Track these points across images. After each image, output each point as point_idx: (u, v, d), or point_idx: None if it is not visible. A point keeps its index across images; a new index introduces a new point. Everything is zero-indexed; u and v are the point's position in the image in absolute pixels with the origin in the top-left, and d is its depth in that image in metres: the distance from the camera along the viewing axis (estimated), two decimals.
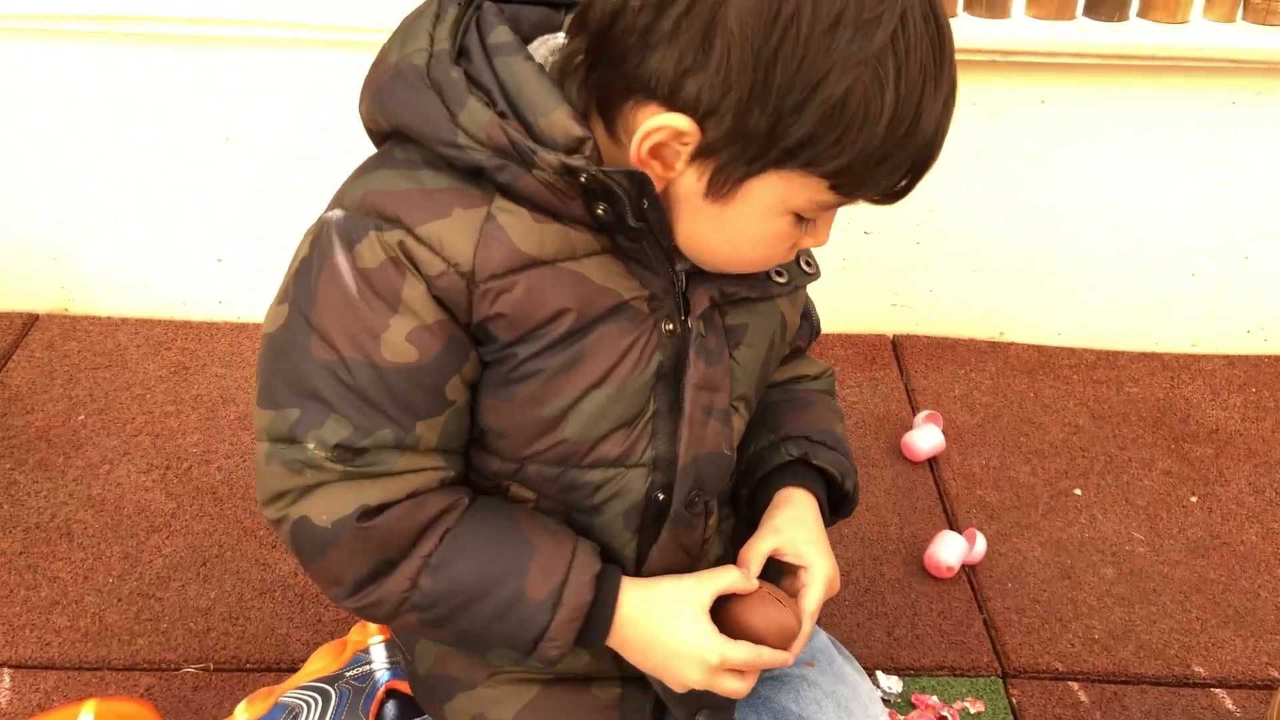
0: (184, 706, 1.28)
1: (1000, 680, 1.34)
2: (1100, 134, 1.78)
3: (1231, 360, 1.95)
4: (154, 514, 1.54)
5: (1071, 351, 1.95)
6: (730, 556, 1.03)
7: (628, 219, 0.78)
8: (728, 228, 0.78)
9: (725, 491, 1.01)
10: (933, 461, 1.68)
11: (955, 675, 1.34)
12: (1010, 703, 1.31)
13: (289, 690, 1.17)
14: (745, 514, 1.06)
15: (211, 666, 1.33)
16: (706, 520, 0.94)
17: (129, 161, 1.78)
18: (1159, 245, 1.89)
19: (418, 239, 0.76)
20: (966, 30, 1.67)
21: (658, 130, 0.72)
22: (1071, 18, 1.71)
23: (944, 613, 1.42)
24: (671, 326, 0.84)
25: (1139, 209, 1.85)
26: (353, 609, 0.84)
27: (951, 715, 1.29)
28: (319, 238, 0.80)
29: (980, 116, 1.76)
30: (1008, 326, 1.97)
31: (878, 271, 1.91)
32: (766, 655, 0.89)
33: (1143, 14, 1.72)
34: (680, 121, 0.71)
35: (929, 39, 0.71)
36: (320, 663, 1.21)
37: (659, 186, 0.76)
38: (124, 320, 1.91)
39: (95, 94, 1.72)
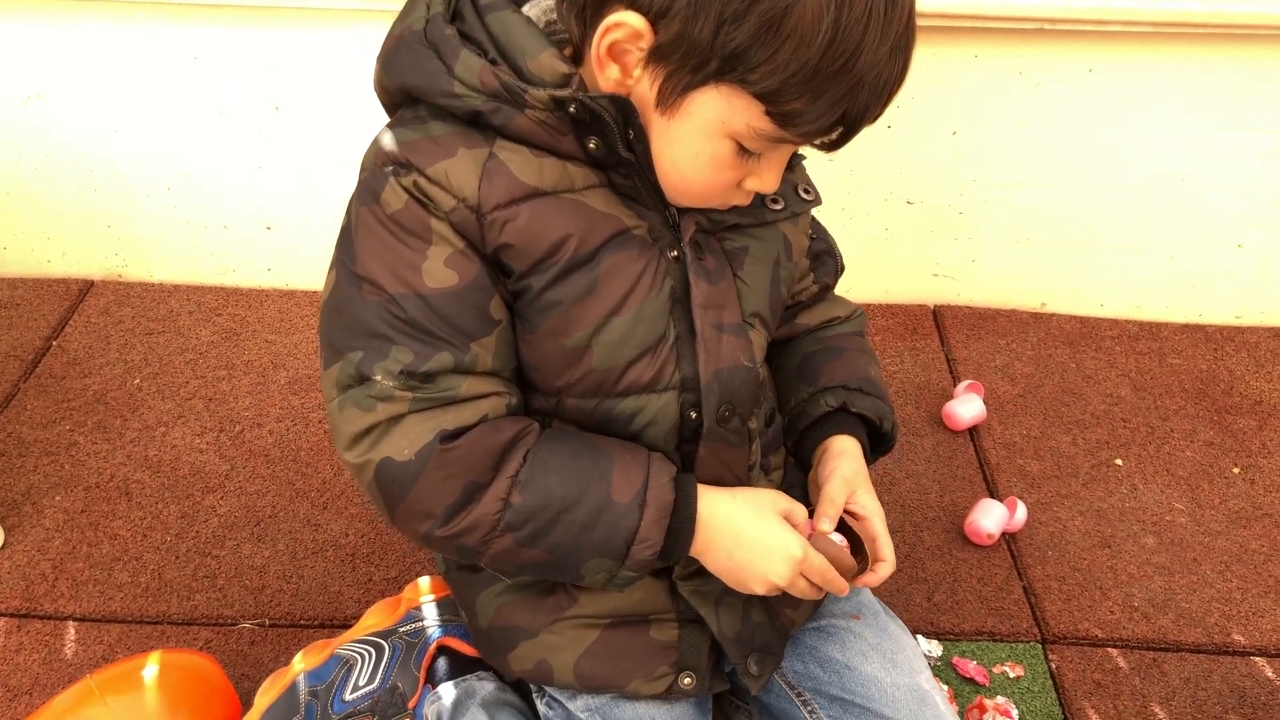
0: (241, 660, 1.32)
1: (1040, 646, 1.35)
2: (1147, 104, 1.77)
3: (1277, 332, 1.93)
4: (209, 475, 1.58)
5: (1114, 323, 1.94)
6: None
7: (619, 149, 0.82)
8: (674, 145, 0.82)
9: (768, 415, 1.04)
10: (973, 431, 1.69)
11: (995, 640, 1.35)
12: (1049, 668, 1.32)
13: (345, 643, 1.21)
14: (794, 458, 1.10)
15: (267, 622, 1.38)
16: (749, 443, 0.97)
17: (180, 132, 1.81)
18: (1205, 217, 1.87)
19: (429, 179, 0.82)
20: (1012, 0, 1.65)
21: (616, 27, 0.77)
22: None
23: (984, 579, 1.43)
24: (675, 253, 0.90)
25: (1185, 180, 1.84)
26: (446, 540, 0.86)
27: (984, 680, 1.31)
28: (351, 201, 0.87)
29: (1027, 86, 1.75)
30: (1050, 297, 1.96)
31: (920, 241, 1.91)
32: (835, 576, 0.94)
33: None
34: (635, 20, 0.76)
35: None
36: (375, 618, 1.25)
37: (621, 93, 0.80)
38: (176, 287, 1.96)
39: (147, 66, 1.75)
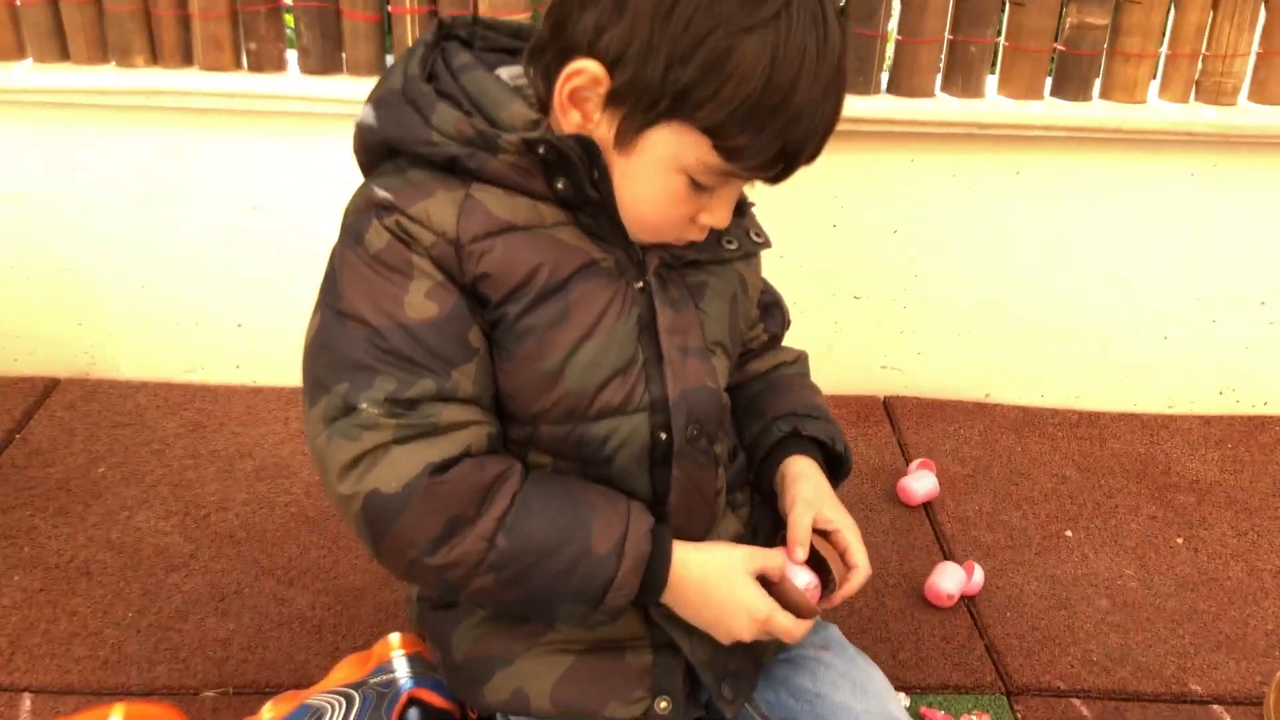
0: None
1: (1005, 698, 1.37)
2: (1072, 204, 1.92)
3: (1207, 420, 2.04)
4: (172, 555, 1.57)
5: (1055, 412, 2.03)
6: (748, 538, 1.10)
7: (585, 188, 0.90)
8: (633, 182, 0.90)
9: (731, 449, 1.09)
10: (928, 506, 1.74)
11: (961, 693, 1.37)
12: (1015, 717, 1.34)
13: (315, 694, 1.20)
14: (758, 493, 1.14)
15: (231, 691, 1.35)
16: (715, 464, 1.01)
17: (157, 230, 1.88)
18: (1133, 311, 2.00)
19: (410, 218, 0.89)
20: (944, 107, 1.81)
21: (577, 74, 0.86)
22: (1040, 98, 1.86)
23: (946, 638, 1.46)
24: (641, 284, 0.96)
25: (1112, 276, 1.97)
26: (432, 571, 0.88)
27: None
28: (334, 248, 0.94)
29: (960, 187, 1.89)
30: (993, 388, 2.06)
31: (868, 335, 2.01)
32: (802, 629, 0.99)
33: (1104, 95, 1.88)
34: (593, 66, 0.85)
35: (814, 28, 0.83)
36: (345, 671, 1.24)
37: (582, 130, 0.88)
38: (144, 383, 1.98)
39: (128, 165, 1.83)
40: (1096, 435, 1.97)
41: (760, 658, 1.09)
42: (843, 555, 1.04)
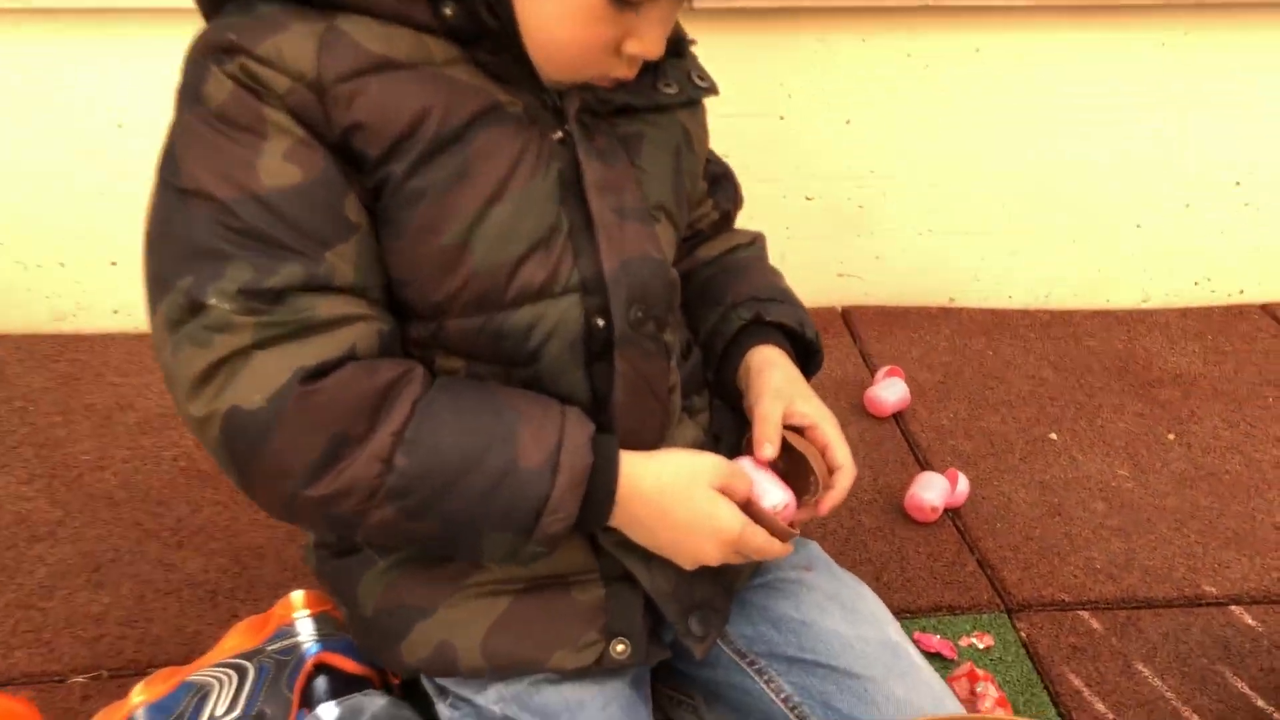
0: (69, 718, 1.08)
1: (1005, 615, 1.21)
2: (1036, 87, 1.75)
3: (1183, 312, 1.91)
4: (36, 523, 1.34)
5: (1025, 313, 1.88)
6: (709, 446, 0.92)
7: (482, 16, 0.71)
8: (539, 2, 0.71)
9: (684, 343, 0.91)
10: (899, 416, 1.58)
11: (956, 614, 1.21)
12: (1019, 636, 1.18)
13: (198, 669, 1.00)
14: (720, 395, 0.96)
15: (105, 674, 1.14)
16: (666, 355, 0.83)
17: (9, 158, 1.62)
18: (1103, 198, 1.85)
19: (257, 59, 0.69)
20: None
21: None
22: None
23: (933, 555, 1.30)
24: (560, 135, 0.77)
25: (1081, 162, 1.82)
26: (314, 505, 0.71)
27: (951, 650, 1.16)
28: (171, 122, 0.73)
29: (916, 70, 1.72)
30: (958, 292, 1.90)
31: (822, 240, 1.84)
32: (778, 547, 0.82)
33: None
34: None
35: None
36: (237, 639, 1.04)
37: None
38: (3, 336, 1.73)
39: None
40: (1070, 334, 1.82)
41: (732, 584, 0.92)
42: (822, 454, 0.86)
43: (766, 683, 0.92)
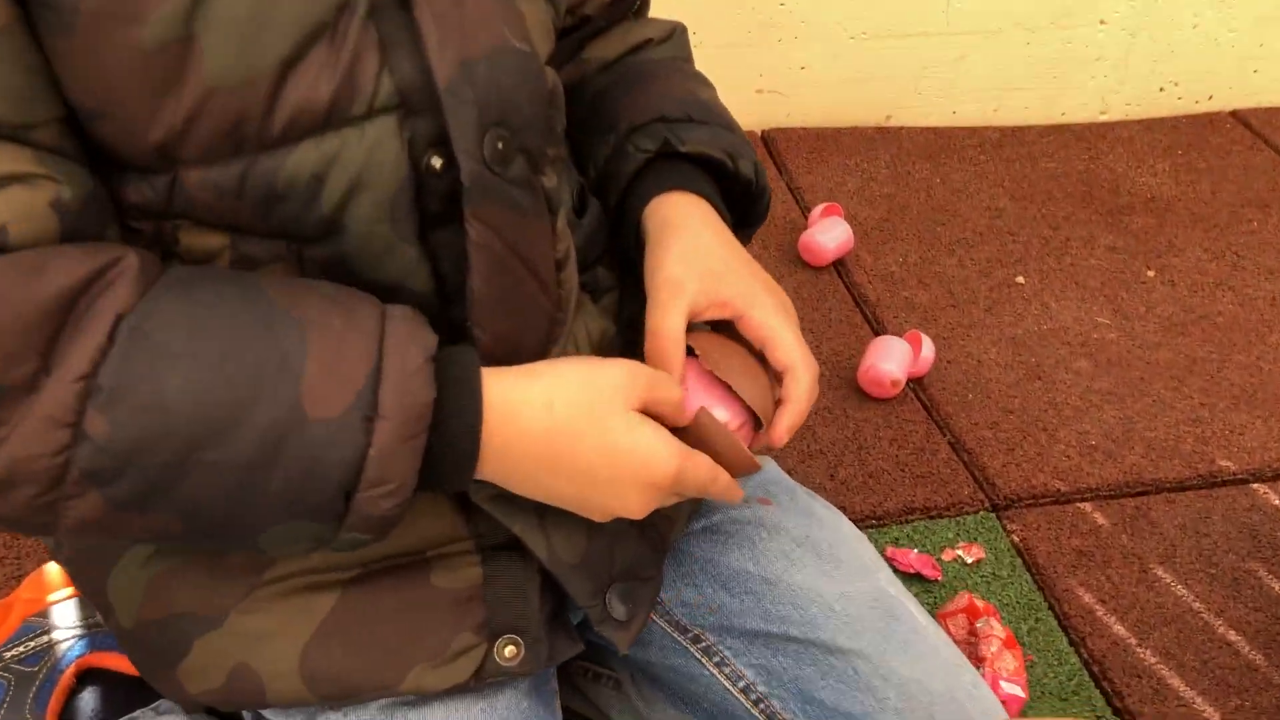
0: None
1: (992, 515, 0.98)
2: None
3: (1147, 124, 1.66)
4: None
5: (972, 130, 1.61)
6: (622, 343, 0.63)
7: None
8: None
9: (576, 190, 0.61)
10: (840, 265, 1.31)
11: (932, 518, 0.97)
12: (1012, 542, 0.95)
13: None
14: (627, 264, 0.67)
15: None
16: (549, 208, 0.54)
17: None
18: None
19: None
20: None
21: None
22: None
23: (897, 440, 1.05)
24: None
25: None
26: None
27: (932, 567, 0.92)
28: None
29: None
30: (896, 108, 1.61)
31: (737, 46, 1.51)
32: (726, 484, 0.57)
33: None
34: None
35: None
36: None
37: None
38: None
39: None
40: (1025, 154, 1.57)
41: (665, 536, 0.65)
42: (762, 353, 0.58)
43: (717, 667, 0.66)
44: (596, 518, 0.55)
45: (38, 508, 0.45)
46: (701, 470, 0.54)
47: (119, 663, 0.70)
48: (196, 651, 0.57)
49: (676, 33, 0.74)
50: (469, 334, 0.52)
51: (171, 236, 0.49)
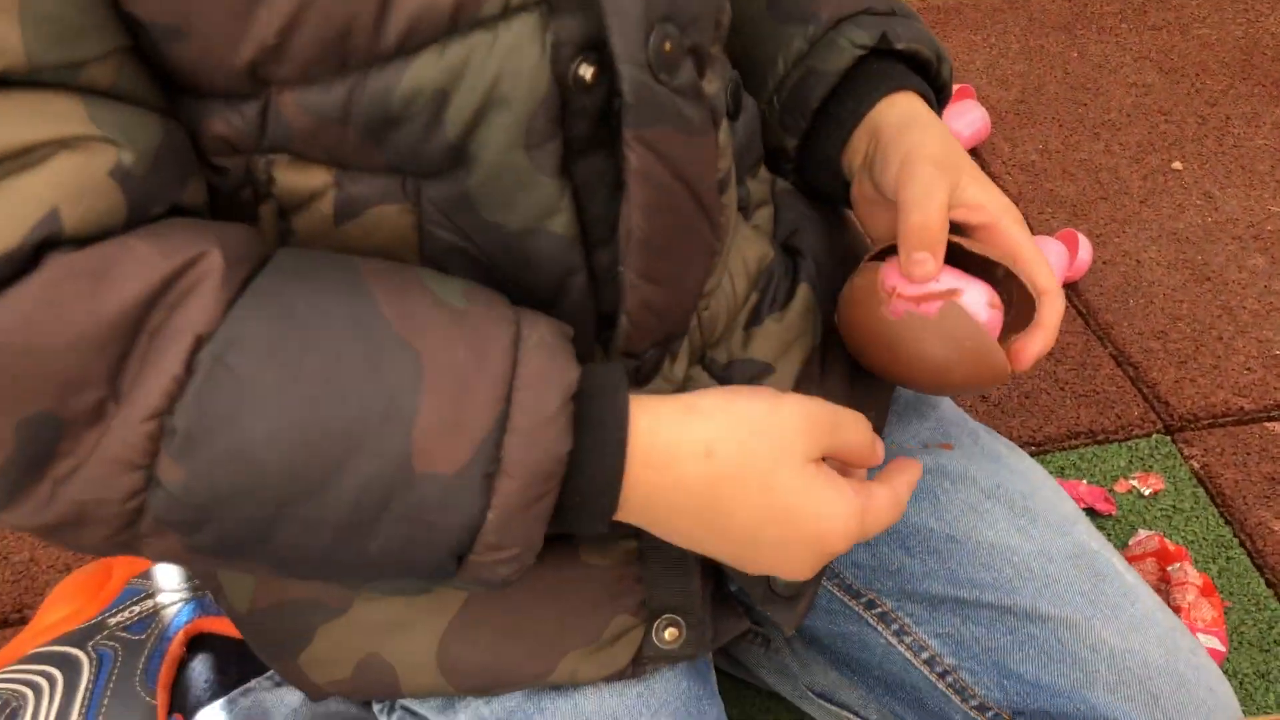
0: None
1: (1167, 438, 0.88)
2: None
3: None
4: None
5: None
6: (781, 271, 0.55)
7: None
8: None
9: (732, 82, 0.52)
10: (975, 152, 1.18)
11: (1100, 443, 0.87)
12: (1192, 469, 0.85)
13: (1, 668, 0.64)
14: (799, 174, 0.56)
15: None
16: (713, 119, 0.46)
17: None
18: None
19: None
20: None
21: None
22: None
23: (1054, 355, 0.95)
24: None
25: None
26: (32, 530, 0.38)
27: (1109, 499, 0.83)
28: None
29: None
30: None
31: None
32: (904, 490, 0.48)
33: None
34: None
35: None
36: (62, 610, 0.68)
37: None
38: None
39: None
40: (1175, 21, 1.40)
41: None
42: (1010, 269, 0.49)
43: (896, 636, 0.59)
44: (752, 573, 0.46)
45: (115, 545, 0.39)
46: (883, 515, 0.45)
47: (230, 628, 0.65)
48: (320, 640, 0.51)
49: None
50: (619, 280, 0.43)
51: (265, 175, 0.41)
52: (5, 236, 0.33)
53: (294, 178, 0.41)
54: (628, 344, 0.44)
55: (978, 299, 0.48)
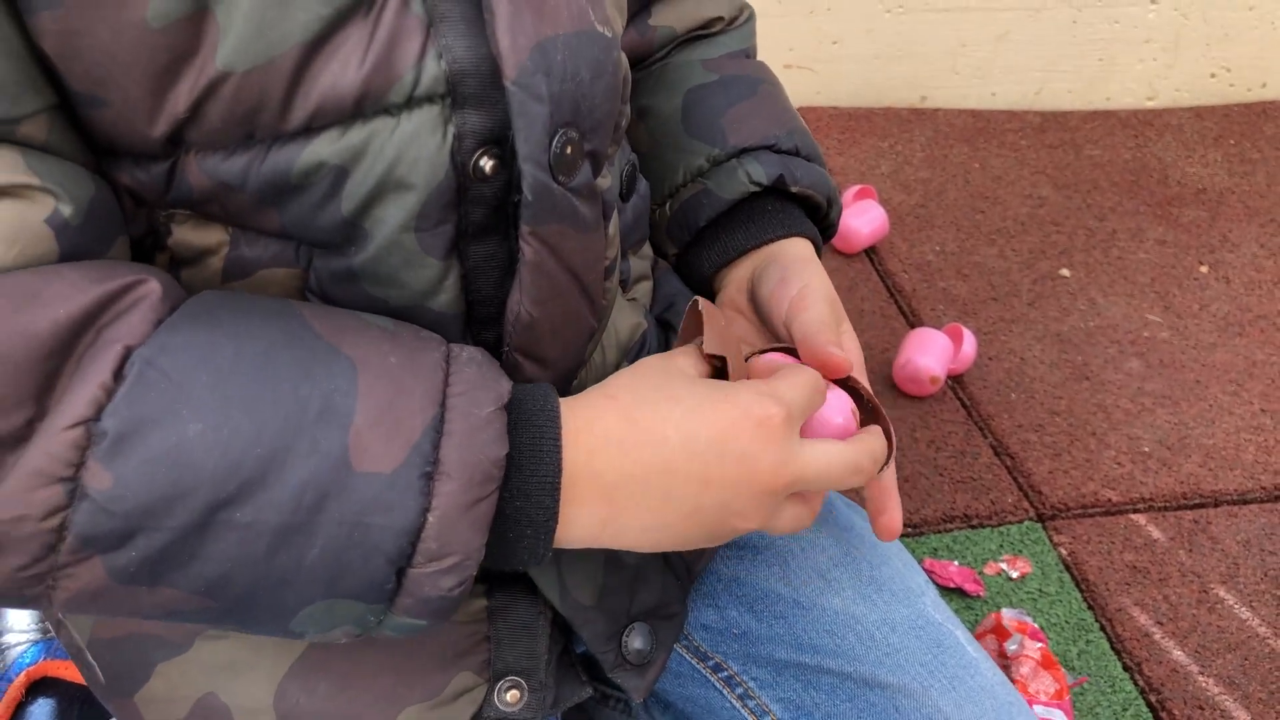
0: None
1: (1038, 525, 0.90)
2: None
3: (1198, 112, 1.57)
4: None
5: (1012, 114, 1.52)
6: (652, 338, 0.56)
7: None
8: None
9: (627, 169, 0.53)
10: (872, 252, 1.23)
11: (974, 527, 0.90)
12: (1060, 555, 0.88)
13: None
14: (671, 259, 0.60)
15: None
16: (604, 215, 0.46)
17: None
18: None
19: None
20: None
21: None
22: None
23: (936, 441, 0.97)
24: None
25: None
26: None
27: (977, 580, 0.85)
28: None
29: None
30: (931, 89, 1.52)
31: (766, 19, 1.42)
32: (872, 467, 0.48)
33: None
34: None
35: None
36: None
37: None
38: None
39: None
40: (1069, 140, 1.48)
41: (691, 566, 0.58)
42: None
43: (741, 699, 0.59)
44: (702, 542, 0.46)
45: (23, 580, 0.36)
46: (824, 454, 0.43)
47: (75, 672, 0.64)
48: (158, 678, 0.50)
49: (746, 16, 0.66)
50: (504, 358, 0.44)
51: (164, 228, 0.42)
52: None
53: (191, 234, 0.42)
54: None
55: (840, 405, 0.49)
